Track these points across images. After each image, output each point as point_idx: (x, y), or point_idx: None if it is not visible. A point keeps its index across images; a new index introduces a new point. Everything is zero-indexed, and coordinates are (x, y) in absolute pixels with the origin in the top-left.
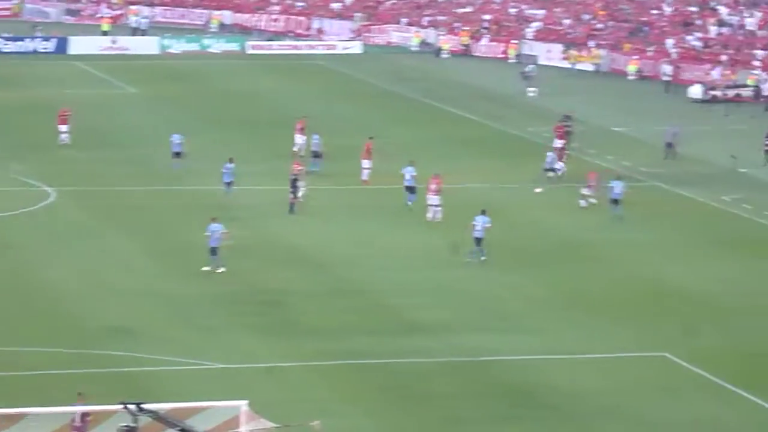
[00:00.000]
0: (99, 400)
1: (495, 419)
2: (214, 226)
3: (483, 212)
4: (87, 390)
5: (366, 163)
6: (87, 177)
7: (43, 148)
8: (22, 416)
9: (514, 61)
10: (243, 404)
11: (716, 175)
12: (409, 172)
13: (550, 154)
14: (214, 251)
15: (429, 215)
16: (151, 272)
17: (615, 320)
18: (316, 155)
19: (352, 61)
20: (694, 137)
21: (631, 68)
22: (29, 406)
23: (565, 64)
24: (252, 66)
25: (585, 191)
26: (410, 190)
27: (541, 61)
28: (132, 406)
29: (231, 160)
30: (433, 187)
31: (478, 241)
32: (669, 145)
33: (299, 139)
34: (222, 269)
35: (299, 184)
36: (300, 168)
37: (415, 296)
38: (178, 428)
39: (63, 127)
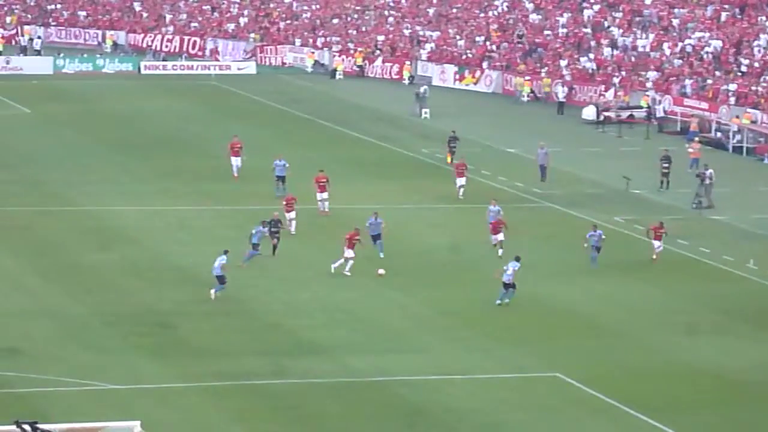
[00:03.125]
0: None
1: None
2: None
3: (517, 259)
4: None
5: (321, 195)
6: None
7: None
8: None
9: (407, 82)
10: (136, 425)
11: (609, 196)
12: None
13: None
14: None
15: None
16: (41, 292)
17: (508, 340)
18: (281, 179)
19: (246, 82)
20: (588, 158)
21: (525, 89)
22: None
23: (459, 86)
24: (146, 86)
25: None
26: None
27: (435, 83)
28: (27, 426)
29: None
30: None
31: (506, 286)
32: (542, 167)
33: (235, 161)
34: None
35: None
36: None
37: (306, 317)
38: None
39: None
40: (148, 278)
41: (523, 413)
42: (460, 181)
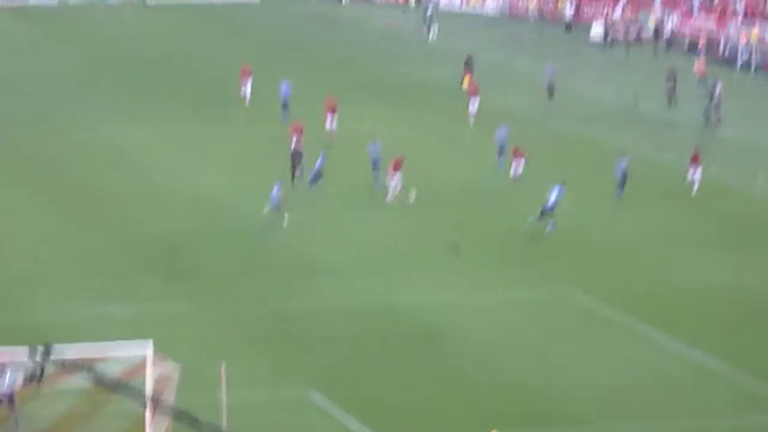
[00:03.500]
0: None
1: (396, 361)
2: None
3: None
4: None
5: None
6: None
7: None
8: None
9: (414, 5)
10: (149, 344)
11: (617, 114)
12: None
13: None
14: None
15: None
16: (51, 217)
17: (522, 261)
18: (285, 106)
19: (251, 9)
20: (596, 78)
21: (532, 8)
22: None
23: (467, 9)
24: (152, 14)
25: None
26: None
27: (442, 7)
28: (39, 350)
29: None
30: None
31: (543, 213)
32: (550, 85)
33: (244, 87)
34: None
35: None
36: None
37: (317, 239)
38: (85, 372)
39: None
40: (158, 202)
41: (538, 334)
42: (473, 102)
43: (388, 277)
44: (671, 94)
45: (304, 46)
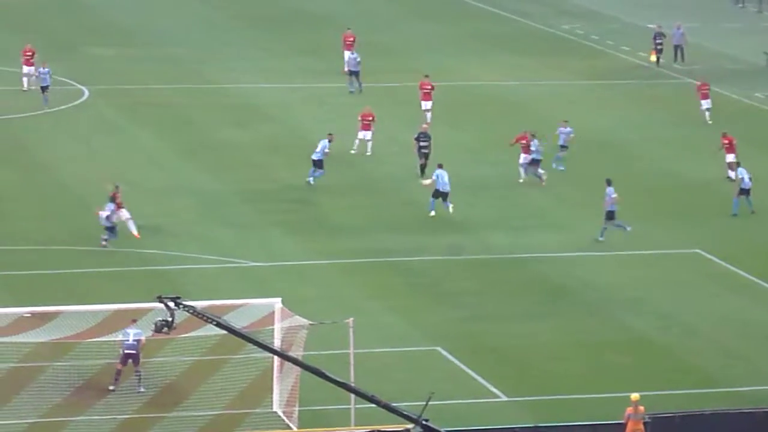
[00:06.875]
0: (132, 296)
1: (522, 315)
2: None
3: (608, 183)
4: (117, 287)
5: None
6: (115, 75)
7: (70, 46)
8: (59, 313)
9: None
10: (277, 302)
11: (749, 71)
12: None
13: None
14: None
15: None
16: (180, 169)
17: (647, 217)
18: (353, 73)
19: None
20: (727, 34)
21: None
22: (60, 305)
23: None
24: None
25: None
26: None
27: None
28: (170, 302)
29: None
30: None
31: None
32: (678, 47)
33: (348, 56)
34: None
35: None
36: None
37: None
38: (215, 323)
39: None
40: (286, 155)
41: (663, 289)
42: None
43: (516, 233)
44: None
45: None
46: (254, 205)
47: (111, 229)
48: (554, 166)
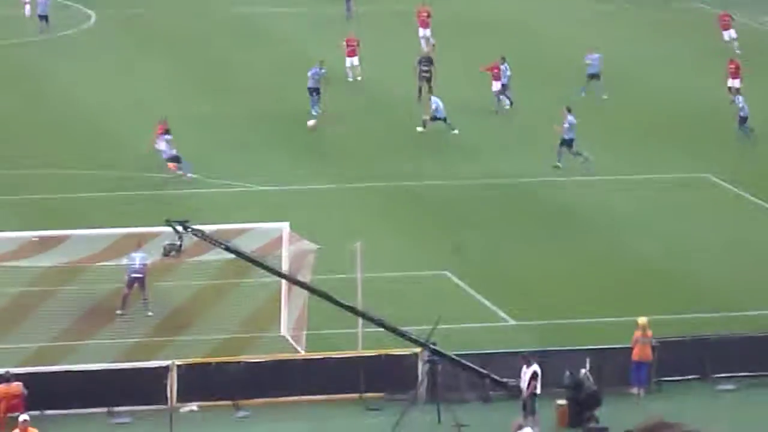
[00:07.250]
0: (140, 221)
1: (530, 238)
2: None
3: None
4: (127, 210)
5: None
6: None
7: None
8: (66, 238)
9: None
10: (285, 226)
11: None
12: None
13: None
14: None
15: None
16: (190, 94)
17: (657, 141)
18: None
19: None
20: None
21: None
22: (72, 228)
23: None
24: None
25: None
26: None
27: None
28: (178, 226)
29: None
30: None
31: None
32: None
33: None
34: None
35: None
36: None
37: (452, 119)
38: (223, 247)
39: None
40: (294, 76)
41: (675, 213)
42: None
43: (522, 158)
44: None
45: None
46: (263, 128)
47: (176, 159)
48: (594, 94)
